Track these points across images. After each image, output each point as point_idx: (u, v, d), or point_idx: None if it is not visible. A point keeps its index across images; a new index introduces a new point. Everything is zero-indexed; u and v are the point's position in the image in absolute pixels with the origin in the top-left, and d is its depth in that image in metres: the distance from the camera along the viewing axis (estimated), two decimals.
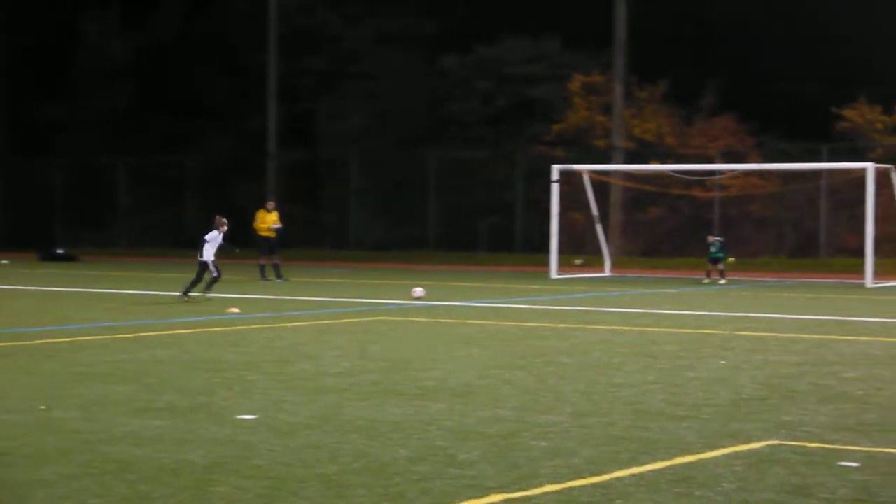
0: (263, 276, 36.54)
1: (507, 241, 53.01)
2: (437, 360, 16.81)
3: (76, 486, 9.10)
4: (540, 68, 55.11)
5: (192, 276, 28.43)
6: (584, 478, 9.37)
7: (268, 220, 37.20)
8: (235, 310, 24.96)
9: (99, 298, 29.14)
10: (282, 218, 37.68)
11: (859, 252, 39.48)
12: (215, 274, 28.13)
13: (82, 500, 8.70)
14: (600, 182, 46.24)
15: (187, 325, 21.93)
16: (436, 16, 57.24)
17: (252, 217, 37.78)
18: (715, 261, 38.42)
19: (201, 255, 28.28)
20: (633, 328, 22.07)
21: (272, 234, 37.08)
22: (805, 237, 48.29)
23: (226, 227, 28.88)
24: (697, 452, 10.40)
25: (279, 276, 36.32)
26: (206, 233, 28.89)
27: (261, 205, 38.63)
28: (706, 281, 38.19)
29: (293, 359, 16.93)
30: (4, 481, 9.28)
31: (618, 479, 9.37)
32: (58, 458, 10.06)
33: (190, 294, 27.80)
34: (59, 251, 49.78)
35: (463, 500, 8.64)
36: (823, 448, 10.67)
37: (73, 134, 61.85)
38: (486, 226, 53.73)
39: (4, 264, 44.75)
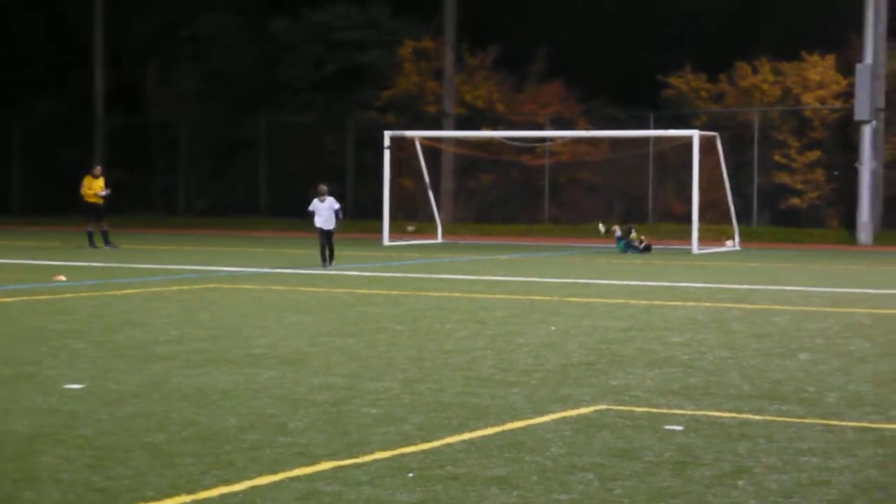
0: (91, 244, 35.97)
1: None
2: (268, 328, 16.72)
3: None
4: (370, 34, 54.92)
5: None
6: (414, 444, 9.41)
7: (94, 187, 36.58)
8: (62, 277, 24.54)
9: None
10: (108, 184, 37.07)
11: (685, 218, 40.22)
12: None
13: None
14: (431, 148, 46.33)
15: (12, 294, 21.50)
16: None
17: (79, 183, 37.08)
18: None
19: None
20: (464, 295, 22.21)
21: (99, 201, 36.47)
22: (633, 203, 49.01)
23: None
24: (527, 418, 10.51)
25: (107, 243, 35.80)
26: None
27: (88, 170, 37.92)
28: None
29: (121, 327, 16.69)
30: None
31: (448, 445, 9.43)
32: None
33: None
34: None
35: (293, 468, 8.61)
36: (649, 412, 10.86)
37: None
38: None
39: None
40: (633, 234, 38.10)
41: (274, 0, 55.99)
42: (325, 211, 29.43)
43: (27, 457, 8.94)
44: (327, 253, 29.12)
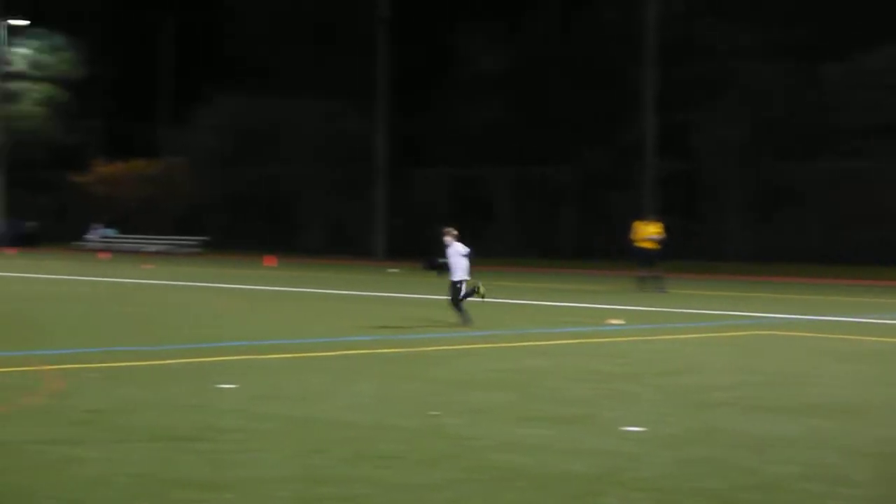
0: (643, 288, 36.37)
1: None
2: (822, 376, 16.38)
3: (465, 491, 9.28)
4: None
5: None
6: None
7: (646, 232, 37.04)
8: (618, 321, 24.92)
9: (482, 307, 29.61)
10: (665, 229, 37.31)
11: None
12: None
13: None
14: None
15: (567, 336, 22.07)
16: (811, 22, 55.71)
17: (628, 228, 37.69)
18: None
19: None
20: None
21: (651, 246, 36.83)
22: None
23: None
24: None
25: (659, 288, 36.05)
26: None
27: (637, 216, 38.46)
28: None
29: (676, 371, 16.80)
30: (396, 484, 9.54)
31: None
32: (446, 463, 10.28)
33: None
34: (443, 260, 50.95)
35: None
36: None
37: (448, 145, 63.30)
38: (870, 238, 52.03)
39: (393, 272, 46.15)
40: None
41: (823, 45, 55.01)
42: None
43: (590, 497, 9.12)
44: None
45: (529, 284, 40.80)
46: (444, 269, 24.39)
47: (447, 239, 24.59)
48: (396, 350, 19.13)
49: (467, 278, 24.08)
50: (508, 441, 11.27)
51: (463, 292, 24.02)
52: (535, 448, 10.95)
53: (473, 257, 24.28)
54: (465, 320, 23.56)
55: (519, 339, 21.42)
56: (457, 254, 24.29)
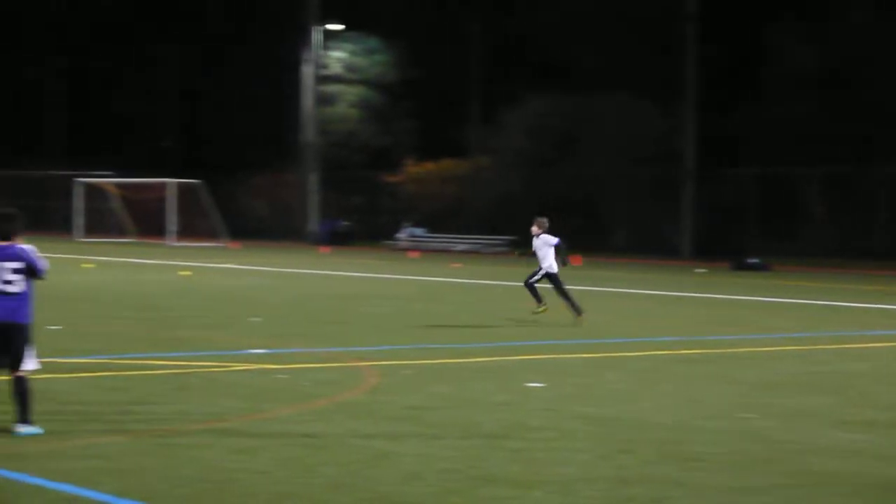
0: None
1: None
2: None
3: (783, 496, 9.15)
4: None
5: None
6: None
7: None
8: None
9: (788, 308, 29.09)
10: None
11: None
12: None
13: None
14: None
15: (885, 339, 21.43)
16: None
17: None
18: None
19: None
20: None
21: None
22: None
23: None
24: None
25: None
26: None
27: None
28: None
29: None
30: (708, 486, 9.46)
31: None
32: (760, 467, 10.13)
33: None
34: (752, 261, 50.14)
35: None
36: None
37: (760, 144, 62.23)
38: None
39: (701, 272, 45.68)
40: None
41: None
42: None
43: None
44: None
45: (844, 286, 39.68)
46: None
47: (534, 229, 23.67)
48: (701, 351, 18.94)
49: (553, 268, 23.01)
50: (825, 446, 11.05)
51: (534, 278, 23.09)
52: (851, 453, 10.70)
53: (565, 248, 23.37)
54: (577, 309, 22.84)
55: (838, 340, 20.90)
56: (545, 245, 23.24)
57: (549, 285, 23.08)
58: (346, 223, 69.27)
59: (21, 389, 11.10)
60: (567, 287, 23.20)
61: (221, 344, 18.34)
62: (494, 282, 34.96)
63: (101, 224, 68.17)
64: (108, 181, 69.40)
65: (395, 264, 45.21)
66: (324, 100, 72.66)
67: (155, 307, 24.49)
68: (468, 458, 10.31)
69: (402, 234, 66.00)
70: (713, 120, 62.83)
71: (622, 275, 41.62)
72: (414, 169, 72.46)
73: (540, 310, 23.10)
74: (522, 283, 23.61)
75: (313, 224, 69.22)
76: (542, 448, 10.80)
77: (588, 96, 64.22)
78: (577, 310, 22.83)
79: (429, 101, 71.86)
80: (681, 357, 18.14)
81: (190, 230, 63.27)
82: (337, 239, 65.38)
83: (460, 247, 63.42)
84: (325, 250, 57.72)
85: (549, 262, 23.07)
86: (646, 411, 12.89)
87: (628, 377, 15.64)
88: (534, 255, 23.42)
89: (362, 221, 72.03)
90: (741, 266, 49.31)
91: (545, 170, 66.55)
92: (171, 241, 61.95)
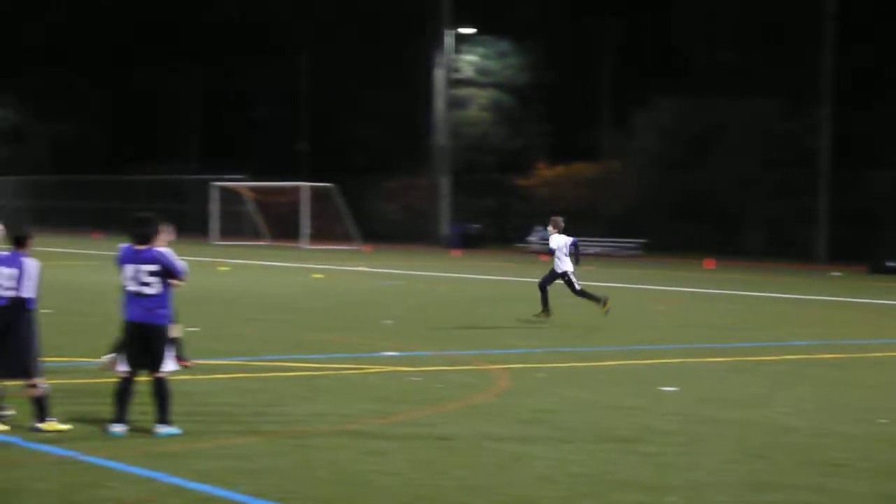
0: None
1: None
2: None
3: None
4: None
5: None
6: None
7: None
8: None
9: None
10: None
11: None
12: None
13: None
14: None
15: None
16: None
17: None
18: None
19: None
20: None
21: None
22: None
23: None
24: None
25: None
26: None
27: None
28: None
29: None
30: (849, 493, 9.34)
31: None
32: None
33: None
34: (891, 264, 49.28)
35: None
36: None
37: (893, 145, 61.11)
38: None
39: (837, 276, 44.99)
40: None
41: None
42: None
43: None
44: None
45: None
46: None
47: (549, 229, 23.44)
48: (838, 355, 18.68)
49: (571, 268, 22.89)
50: None
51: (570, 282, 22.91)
52: None
53: (577, 249, 23.16)
54: (602, 299, 22.78)
55: None
56: (563, 244, 22.96)
57: (560, 282, 22.92)
58: (477, 226, 69.37)
59: (160, 390, 11.31)
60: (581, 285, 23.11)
61: (354, 346, 18.49)
62: (625, 284, 34.79)
63: (236, 227, 69.08)
64: (243, 185, 70.32)
65: (526, 267, 45.14)
66: (456, 103, 72.85)
67: (289, 309, 24.77)
68: (600, 462, 10.29)
69: (534, 238, 65.91)
70: (848, 119, 61.92)
71: (755, 278, 41.17)
72: (545, 172, 72.36)
73: (606, 307, 22.88)
74: (573, 294, 23.27)
75: (445, 227, 69.43)
76: (675, 452, 10.75)
77: (719, 97, 63.62)
78: (597, 300, 22.83)
79: (560, 103, 71.67)
80: (816, 361, 17.91)
81: (323, 233, 63.84)
82: (468, 242, 65.49)
83: (592, 250, 63.17)
84: (456, 253, 57.88)
85: (566, 262, 22.96)
86: (781, 416, 12.76)
87: (762, 381, 15.48)
88: (551, 253, 23.25)
89: (493, 225, 72.08)
90: (879, 269, 48.49)
91: (677, 172, 66.05)
92: (305, 244, 62.57)
